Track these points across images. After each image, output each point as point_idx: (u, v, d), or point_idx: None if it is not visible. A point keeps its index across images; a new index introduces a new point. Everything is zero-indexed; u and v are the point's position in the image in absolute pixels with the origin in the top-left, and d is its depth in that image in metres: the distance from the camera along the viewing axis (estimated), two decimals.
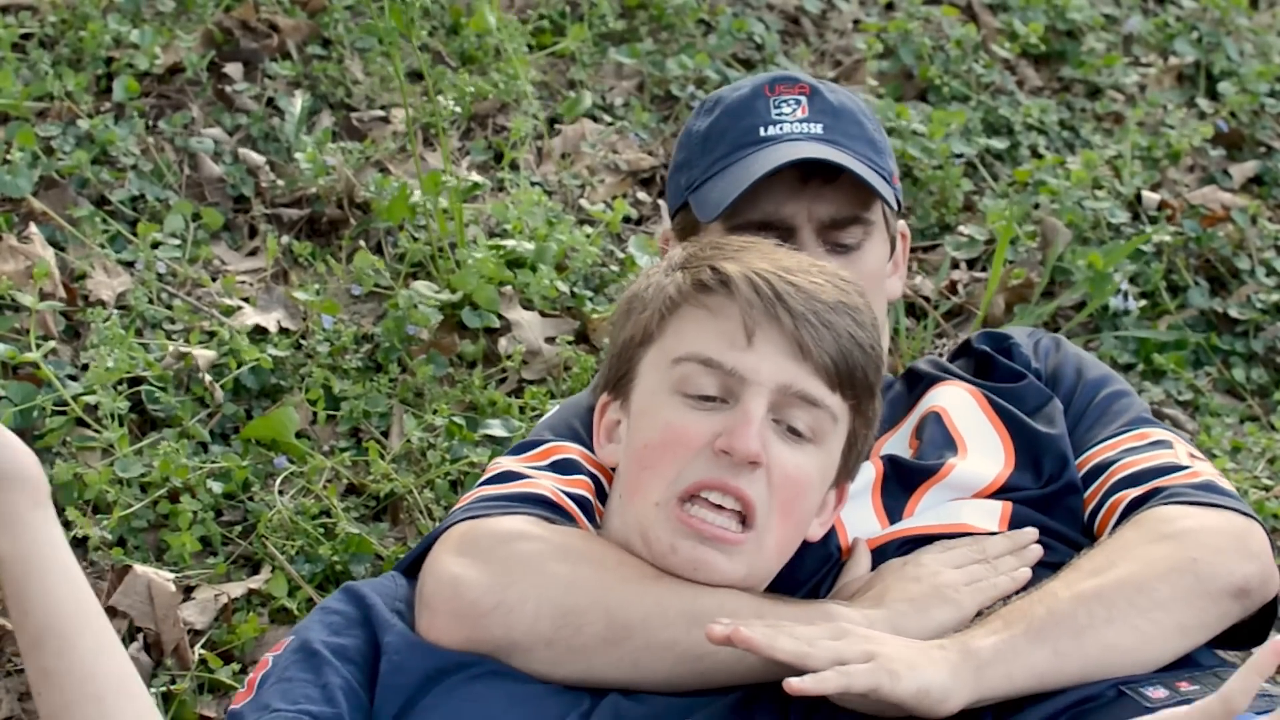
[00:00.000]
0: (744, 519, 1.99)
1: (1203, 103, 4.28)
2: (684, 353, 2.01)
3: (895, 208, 2.43)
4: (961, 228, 3.73)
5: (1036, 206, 3.78)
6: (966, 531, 2.14)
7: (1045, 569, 2.11)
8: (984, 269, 3.66)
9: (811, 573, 2.13)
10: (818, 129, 2.37)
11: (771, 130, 2.37)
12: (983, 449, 2.25)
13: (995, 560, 2.10)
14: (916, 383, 2.39)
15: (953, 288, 3.60)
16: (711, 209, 2.33)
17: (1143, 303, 3.60)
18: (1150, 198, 3.84)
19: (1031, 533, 2.13)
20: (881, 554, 2.15)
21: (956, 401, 2.31)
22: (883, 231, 2.40)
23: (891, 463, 2.23)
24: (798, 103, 2.39)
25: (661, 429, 2.01)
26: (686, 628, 1.95)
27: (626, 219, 3.59)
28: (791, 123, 2.37)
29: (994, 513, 2.18)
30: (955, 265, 3.66)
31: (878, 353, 2.08)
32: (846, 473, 2.11)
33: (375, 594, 2.04)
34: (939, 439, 2.26)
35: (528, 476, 2.14)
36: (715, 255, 2.07)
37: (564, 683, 1.97)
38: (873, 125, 2.43)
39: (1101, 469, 2.23)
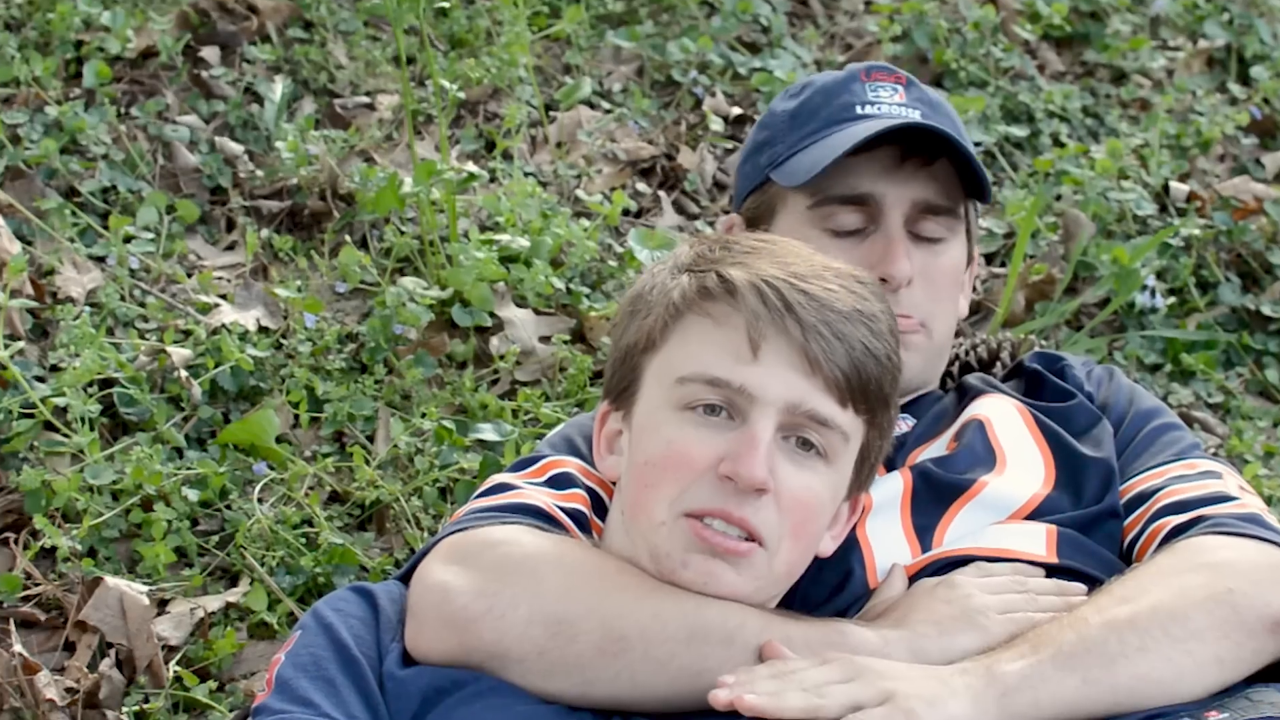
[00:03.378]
0: (751, 538, 2.00)
1: (1234, 88, 4.28)
2: (688, 372, 2.02)
3: (976, 221, 2.48)
4: (980, 221, 3.72)
5: (1058, 198, 3.79)
6: (1009, 556, 2.15)
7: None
8: (1003, 264, 3.66)
9: (833, 591, 2.14)
10: (915, 114, 2.41)
11: (869, 109, 2.41)
12: (1022, 465, 2.26)
13: (1037, 595, 2.09)
14: (964, 395, 2.41)
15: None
16: (802, 174, 2.35)
17: (1170, 300, 3.60)
18: (1179, 189, 3.84)
19: (1080, 587, 2.13)
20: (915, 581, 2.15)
21: (1000, 413, 2.33)
22: (964, 239, 2.44)
23: (922, 476, 2.23)
24: (895, 89, 2.44)
25: (663, 447, 2.01)
26: (686, 642, 1.95)
27: (626, 211, 3.59)
28: (890, 104, 2.42)
29: (1038, 537, 2.18)
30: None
31: (894, 362, 2.07)
32: (859, 485, 2.11)
33: (387, 599, 2.07)
34: (978, 447, 2.27)
35: (521, 489, 2.15)
36: (723, 258, 2.07)
37: (561, 699, 1.97)
38: (964, 130, 2.49)
39: (1146, 496, 2.23)
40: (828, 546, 2.11)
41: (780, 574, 2.03)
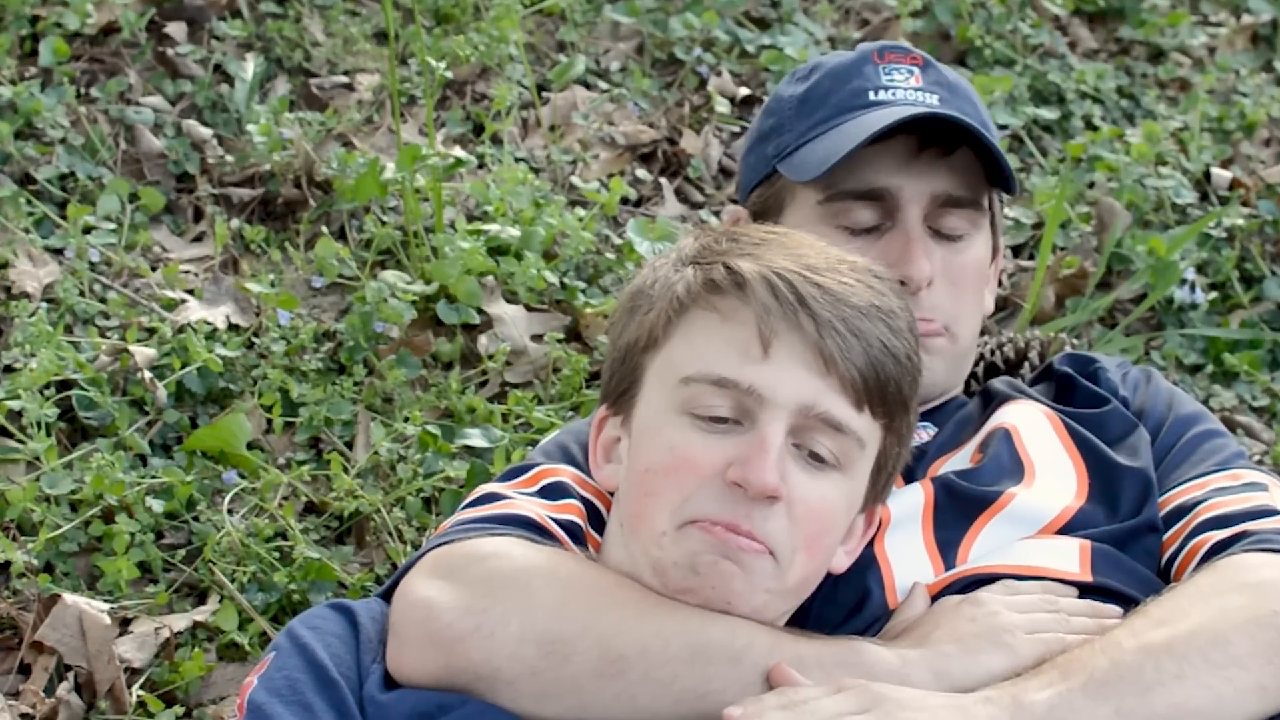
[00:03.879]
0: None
1: None
2: (693, 372, 2.02)
3: (1001, 210, 2.49)
4: (1006, 210, 3.73)
5: (1091, 185, 3.78)
6: (1040, 574, 2.15)
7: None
8: (1031, 257, 3.66)
9: (849, 612, 2.14)
10: (933, 99, 2.41)
11: (883, 95, 2.41)
12: (1052, 476, 2.26)
13: (1069, 616, 2.09)
14: (989, 402, 2.41)
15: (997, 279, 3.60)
16: (812, 169, 2.35)
17: (1212, 295, 3.60)
18: (1221, 175, 3.84)
19: (1115, 609, 2.13)
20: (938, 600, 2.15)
21: (1029, 421, 2.33)
22: (988, 232, 2.45)
23: (945, 487, 2.23)
24: (910, 72, 2.44)
25: (665, 452, 2.01)
26: (689, 662, 1.96)
27: (624, 200, 3.59)
28: (905, 89, 2.41)
29: (1071, 553, 2.19)
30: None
31: (914, 363, 2.08)
32: (875, 496, 2.12)
33: (367, 616, 2.08)
34: (1005, 457, 2.27)
35: (511, 499, 2.15)
36: (731, 249, 2.07)
37: None
38: (986, 112, 2.49)
39: (1186, 509, 2.24)
40: (841, 562, 2.11)
41: (791, 588, 2.03)
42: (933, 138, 2.36)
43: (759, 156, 2.49)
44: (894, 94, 2.41)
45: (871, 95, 2.41)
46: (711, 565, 1.98)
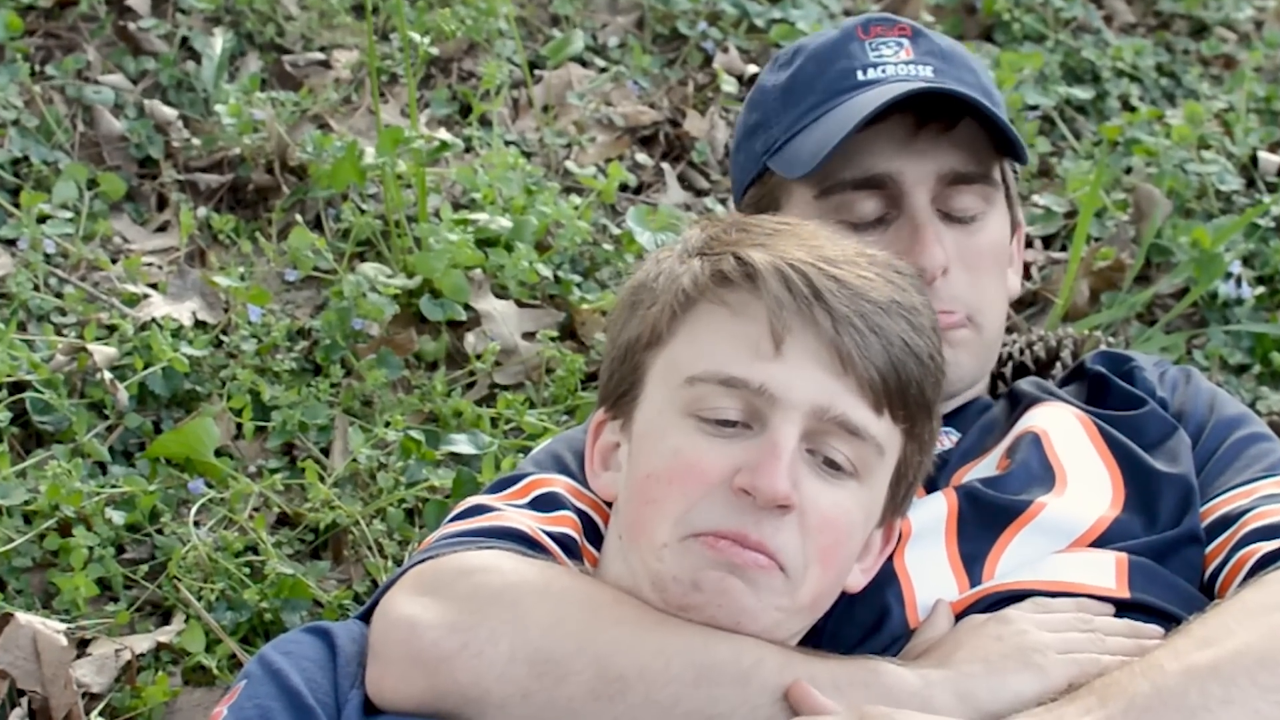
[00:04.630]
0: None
1: None
2: (699, 371, 2.02)
3: (1015, 180, 2.48)
4: (1036, 197, 3.73)
5: (1129, 171, 3.79)
6: (1073, 590, 2.15)
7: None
8: (1064, 248, 3.67)
9: (867, 632, 2.14)
10: (927, 71, 2.41)
11: (872, 73, 2.41)
12: (1085, 484, 2.27)
13: (1105, 636, 2.09)
14: (1016, 404, 2.41)
15: (1025, 271, 3.61)
16: (805, 163, 2.36)
17: (1259, 289, 3.60)
18: (1269, 160, 3.84)
19: (1155, 629, 2.14)
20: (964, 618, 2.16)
21: (1060, 425, 2.33)
22: (1004, 207, 2.44)
23: (969, 497, 2.24)
24: (899, 44, 2.44)
25: (669, 457, 2.02)
26: (694, 683, 1.96)
27: (623, 187, 3.60)
28: (895, 64, 2.42)
29: (1106, 567, 2.19)
30: (1029, 243, 3.66)
31: (937, 363, 2.08)
32: (895, 508, 2.12)
33: (346, 638, 2.08)
34: (1034, 464, 2.28)
35: (501, 511, 2.16)
36: (741, 240, 2.08)
37: None
38: (986, 77, 2.48)
39: (1231, 519, 2.24)
40: (857, 580, 2.11)
41: (804, 605, 2.04)
42: (931, 113, 2.36)
43: (748, 155, 2.50)
44: (884, 71, 2.41)
45: (859, 75, 2.41)
46: (716, 582, 1.98)
